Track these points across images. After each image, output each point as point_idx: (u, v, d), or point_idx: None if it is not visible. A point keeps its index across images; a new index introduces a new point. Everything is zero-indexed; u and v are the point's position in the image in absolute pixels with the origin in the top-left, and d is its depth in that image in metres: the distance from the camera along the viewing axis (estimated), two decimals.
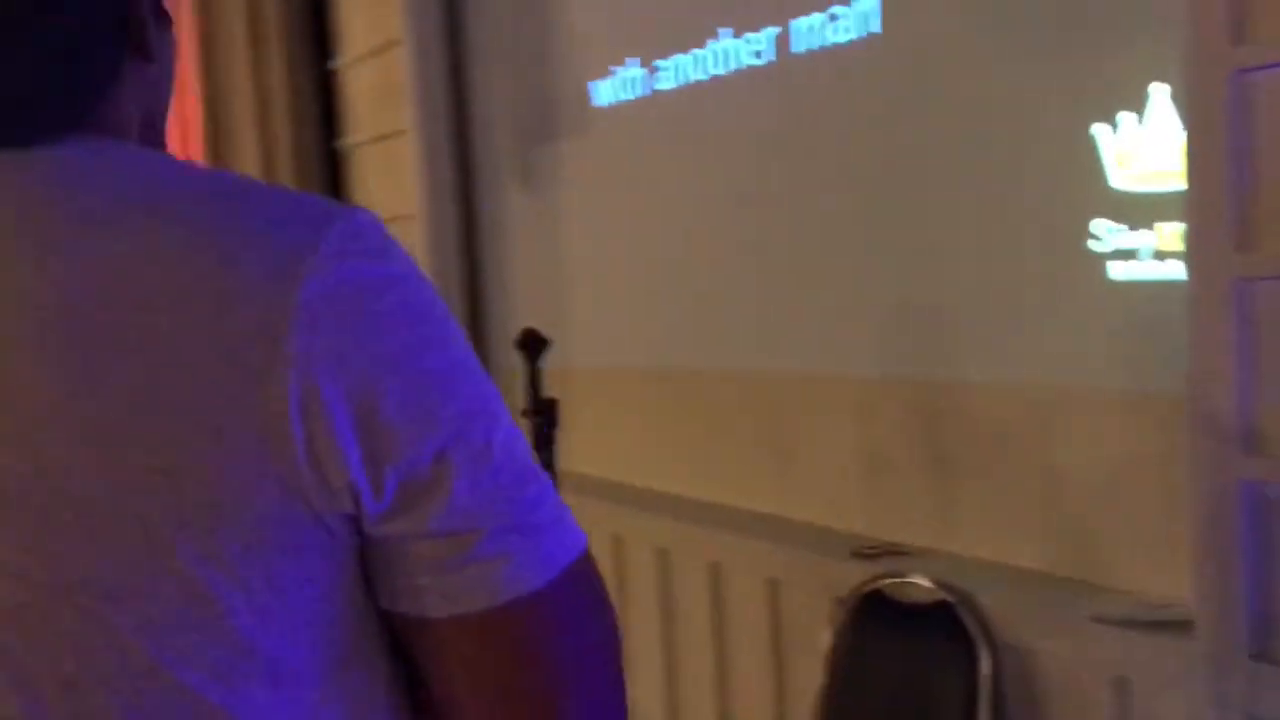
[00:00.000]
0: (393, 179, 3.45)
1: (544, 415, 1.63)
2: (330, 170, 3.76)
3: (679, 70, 2.61)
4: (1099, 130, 1.81)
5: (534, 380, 1.63)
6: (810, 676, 2.11)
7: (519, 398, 3.25)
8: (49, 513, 0.58)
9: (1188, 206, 1.59)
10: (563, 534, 0.65)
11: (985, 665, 1.86)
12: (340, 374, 0.59)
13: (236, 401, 0.57)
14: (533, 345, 1.66)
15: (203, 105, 4.19)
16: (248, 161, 3.94)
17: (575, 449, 3.03)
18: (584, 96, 2.88)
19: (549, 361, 3.04)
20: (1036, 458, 1.97)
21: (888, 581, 2.02)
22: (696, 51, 2.55)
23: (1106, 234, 1.82)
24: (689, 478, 2.69)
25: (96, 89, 0.64)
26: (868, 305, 2.25)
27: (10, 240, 0.59)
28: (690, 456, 2.70)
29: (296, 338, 0.58)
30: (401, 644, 0.67)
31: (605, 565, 2.59)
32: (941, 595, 1.93)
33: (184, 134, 4.70)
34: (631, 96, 2.75)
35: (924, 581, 1.97)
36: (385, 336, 0.60)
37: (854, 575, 2.08)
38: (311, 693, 0.63)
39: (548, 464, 1.65)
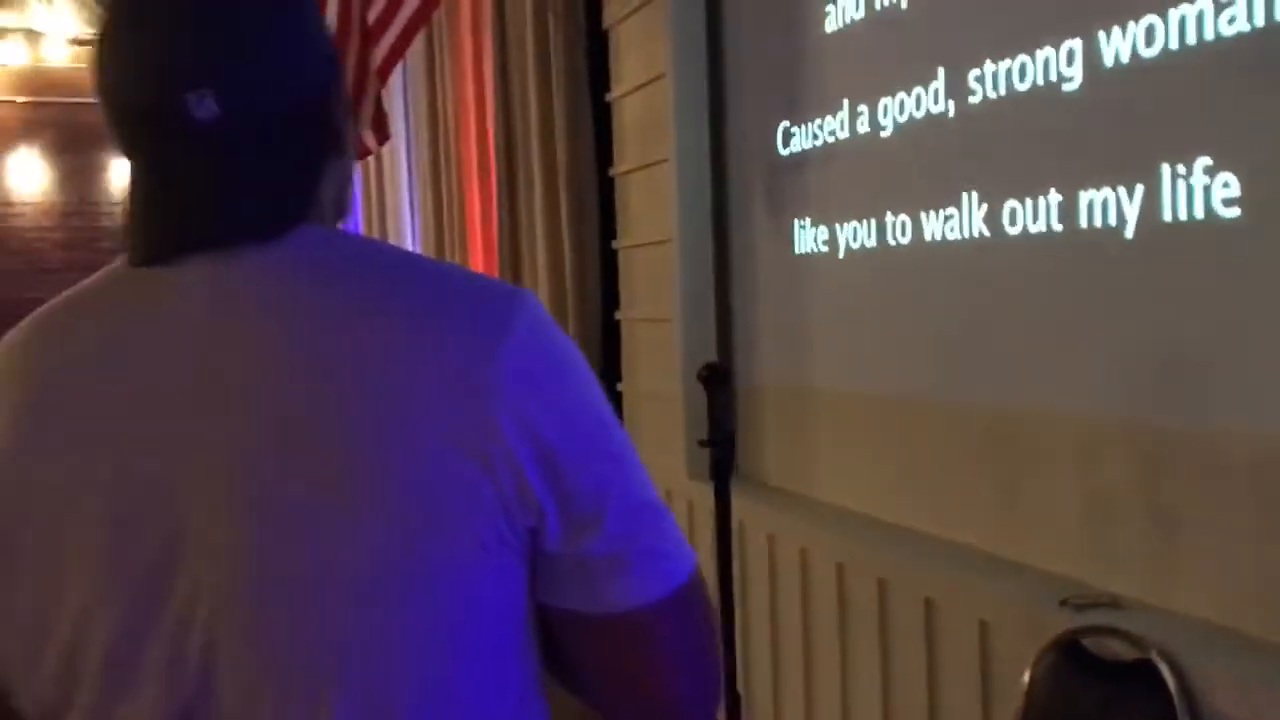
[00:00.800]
0: (654, 205, 3.63)
1: (721, 446, 1.70)
2: (604, 196, 3.97)
3: (919, 104, 2.61)
4: None
5: (713, 412, 1.71)
6: None
7: (768, 409, 3.26)
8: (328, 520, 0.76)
9: None
10: (680, 557, 0.85)
11: None
12: (524, 430, 0.78)
13: (454, 439, 0.76)
14: (713, 379, 1.74)
15: (498, 132, 4.55)
16: (533, 183, 4.23)
17: (807, 471, 3.09)
18: (828, 129, 2.93)
19: (788, 378, 3.10)
20: (1269, 513, 1.84)
21: (1089, 635, 1.95)
22: (936, 86, 2.54)
23: None
24: (911, 507, 2.68)
25: (313, 189, 0.84)
26: (1101, 342, 2.17)
27: (283, 304, 0.79)
28: (913, 486, 2.68)
29: (494, 400, 0.77)
30: (552, 630, 0.86)
31: (828, 592, 2.59)
32: (1144, 654, 1.85)
33: (482, 154, 5.11)
34: (874, 130, 2.77)
35: (1126, 638, 1.89)
36: (560, 404, 0.81)
37: (1061, 623, 2.02)
38: (513, 646, 0.83)
39: (723, 489, 1.72)
